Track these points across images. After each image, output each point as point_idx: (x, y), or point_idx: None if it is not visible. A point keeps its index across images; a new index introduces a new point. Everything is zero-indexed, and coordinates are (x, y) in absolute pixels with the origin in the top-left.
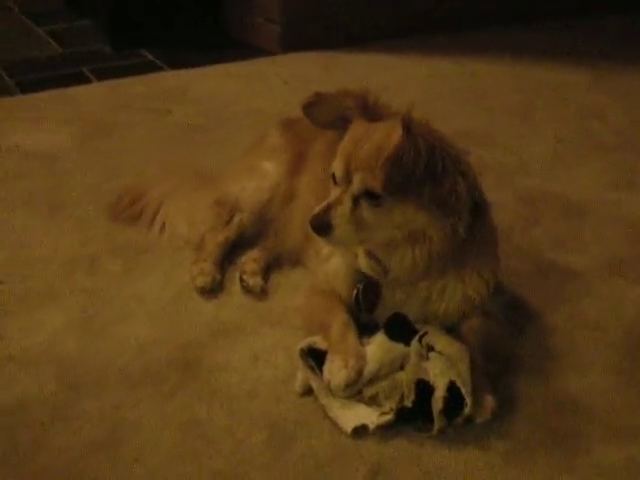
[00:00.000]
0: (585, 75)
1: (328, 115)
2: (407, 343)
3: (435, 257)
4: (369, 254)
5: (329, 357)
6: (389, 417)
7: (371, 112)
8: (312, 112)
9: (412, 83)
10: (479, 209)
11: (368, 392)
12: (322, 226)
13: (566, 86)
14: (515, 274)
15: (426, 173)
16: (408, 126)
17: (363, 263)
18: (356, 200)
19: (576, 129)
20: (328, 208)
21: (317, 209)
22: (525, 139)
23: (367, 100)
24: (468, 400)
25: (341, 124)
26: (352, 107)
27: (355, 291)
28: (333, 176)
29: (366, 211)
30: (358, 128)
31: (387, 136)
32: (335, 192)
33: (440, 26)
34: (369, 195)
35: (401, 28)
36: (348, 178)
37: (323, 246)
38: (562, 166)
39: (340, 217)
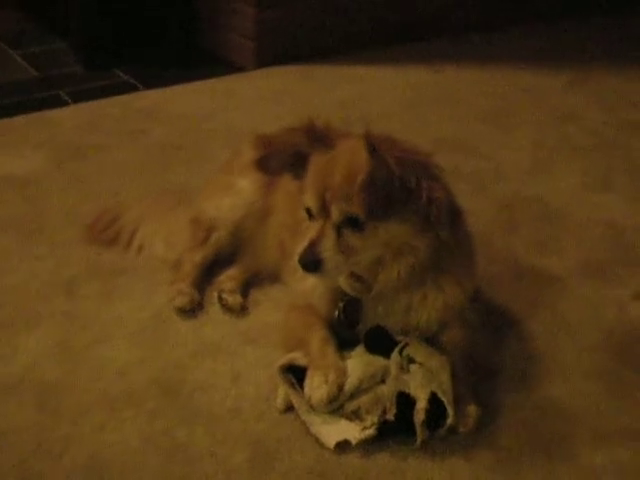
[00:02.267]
0: (561, 78)
1: (283, 160)
2: (387, 356)
3: (419, 267)
4: (351, 275)
5: (309, 373)
6: (371, 431)
7: (324, 140)
8: (267, 164)
9: (387, 93)
10: (454, 216)
11: (349, 407)
12: (312, 263)
13: (542, 90)
14: (494, 280)
15: (401, 188)
16: (372, 145)
17: (344, 283)
18: (338, 230)
19: (552, 133)
20: (313, 244)
21: (302, 248)
22: (501, 145)
23: (316, 130)
24: (450, 411)
25: (299, 163)
26: (304, 142)
27: (337, 310)
28: (307, 211)
29: (351, 238)
30: (319, 159)
31: (353, 160)
32: (314, 226)
33: (415, 36)
34: (351, 222)
35: (375, 39)
36: (325, 210)
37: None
38: (539, 170)
39: (328, 250)
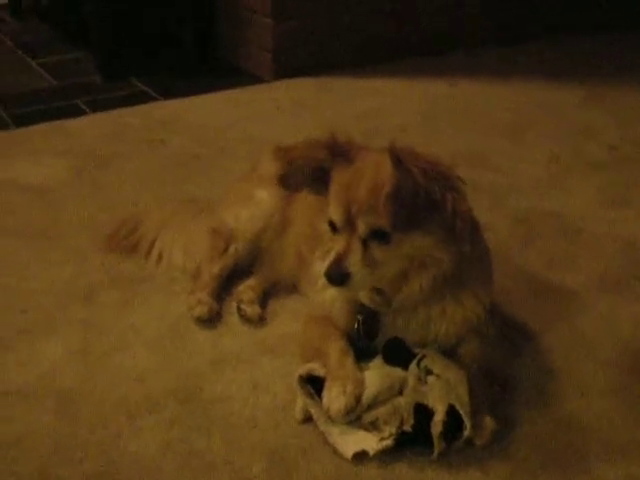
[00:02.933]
0: (577, 93)
1: (305, 176)
2: (405, 367)
3: (441, 279)
4: (372, 288)
5: (327, 384)
6: (389, 442)
7: (346, 154)
8: (289, 181)
9: (404, 105)
10: (471, 230)
11: (367, 418)
12: (340, 277)
13: (558, 105)
14: (511, 294)
15: (427, 199)
16: (397, 158)
17: (365, 296)
18: (364, 243)
19: (569, 147)
20: (340, 258)
21: (328, 262)
22: (518, 159)
23: (337, 144)
24: (467, 423)
25: (320, 178)
26: (326, 157)
27: (356, 323)
28: (331, 224)
29: (377, 251)
30: (343, 173)
31: (378, 173)
32: (340, 240)
33: (430, 49)
34: (377, 235)
35: (392, 52)
36: (350, 223)
37: (318, 275)
38: (556, 185)
39: (355, 264)
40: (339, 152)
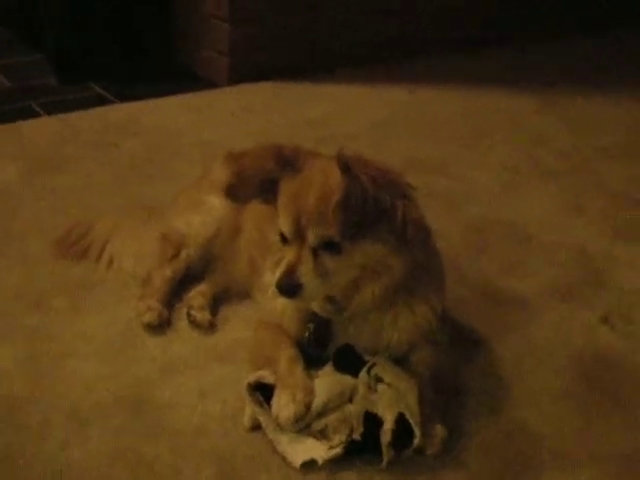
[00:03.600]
0: (532, 101)
1: (253, 188)
2: (355, 375)
3: (393, 286)
4: (325, 297)
5: (277, 391)
6: (338, 451)
7: (293, 163)
8: (237, 193)
9: (360, 112)
10: (423, 236)
11: (317, 426)
12: (291, 288)
13: (514, 112)
14: (463, 302)
15: (376, 208)
16: (345, 165)
17: (317, 305)
18: (315, 253)
19: (524, 155)
20: (291, 269)
21: (279, 273)
22: (473, 166)
23: (284, 154)
24: (417, 432)
25: (268, 189)
26: (273, 168)
27: (307, 332)
28: (281, 235)
29: (328, 261)
30: (291, 183)
31: (326, 181)
32: (290, 251)
33: (388, 56)
34: (328, 245)
35: (349, 59)
36: (300, 234)
37: (269, 284)
38: (510, 193)
39: (306, 274)
40: (286, 162)
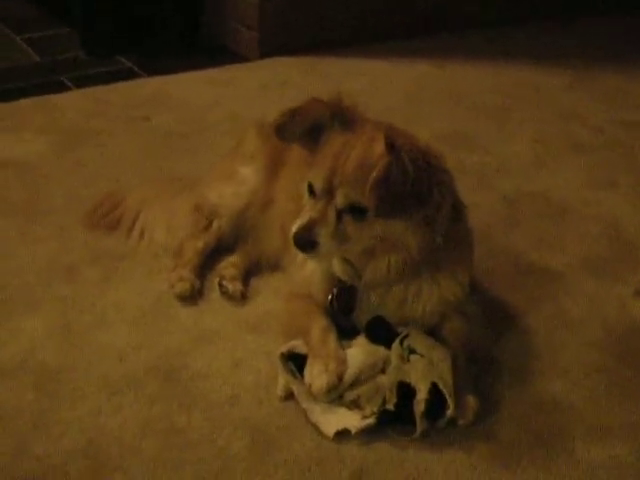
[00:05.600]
0: (564, 77)
1: (301, 128)
2: (388, 346)
3: (409, 263)
4: (344, 260)
5: (310, 361)
6: (371, 421)
7: (346, 119)
8: (285, 130)
9: (391, 86)
10: (455, 212)
11: (349, 396)
12: (307, 243)
13: (545, 87)
14: (495, 275)
15: (413, 192)
16: (392, 143)
17: (337, 268)
18: (339, 214)
19: (555, 130)
20: (311, 224)
21: (299, 225)
22: (504, 140)
23: (341, 107)
24: (450, 402)
25: (314, 135)
26: (327, 116)
27: (330, 295)
28: (309, 187)
29: (349, 226)
30: (336, 138)
31: (370, 150)
32: (315, 206)
33: (418, 31)
34: (353, 210)
35: (379, 33)
36: (330, 192)
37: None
38: (542, 167)
39: (325, 234)
40: (340, 115)
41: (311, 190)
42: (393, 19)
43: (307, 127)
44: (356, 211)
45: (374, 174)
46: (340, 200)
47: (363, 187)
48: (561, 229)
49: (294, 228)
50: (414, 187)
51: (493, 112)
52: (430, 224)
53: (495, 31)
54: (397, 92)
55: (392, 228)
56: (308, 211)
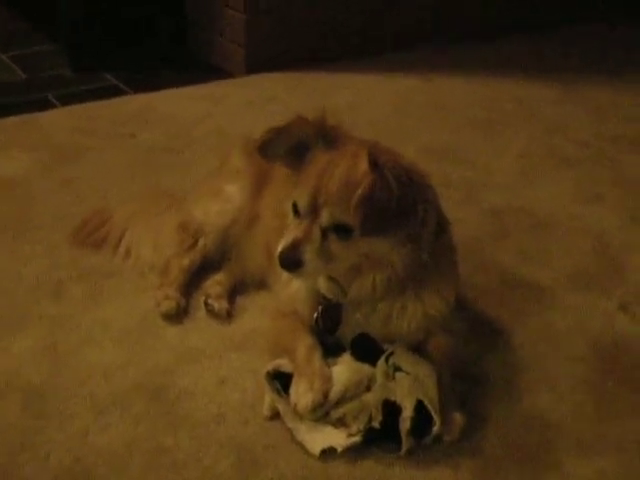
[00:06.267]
0: (551, 89)
1: (285, 147)
2: (373, 363)
3: (395, 281)
4: (329, 277)
5: (295, 380)
6: (357, 439)
7: (330, 137)
8: (268, 149)
9: (378, 100)
10: (440, 229)
11: (335, 414)
12: (292, 263)
13: (532, 101)
14: (481, 289)
15: (398, 209)
16: (375, 160)
17: (323, 286)
18: (324, 233)
19: (541, 143)
20: (296, 243)
21: (284, 245)
22: (490, 154)
23: (325, 125)
24: (436, 419)
25: (298, 153)
26: (311, 134)
27: (315, 313)
28: (294, 206)
29: (334, 244)
30: (320, 158)
31: (353, 168)
32: (300, 225)
33: (405, 44)
34: (338, 229)
35: (366, 47)
36: (314, 210)
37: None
38: (527, 180)
39: (310, 252)
40: (324, 133)
41: (296, 209)
42: (379, 33)
43: (291, 145)
44: (341, 230)
45: (358, 192)
46: (325, 219)
47: (348, 205)
48: (547, 243)
49: (279, 248)
50: (398, 204)
51: (480, 125)
52: (415, 241)
53: (483, 44)
54: (384, 106)
55: (377, 246)
56: (293, 230)
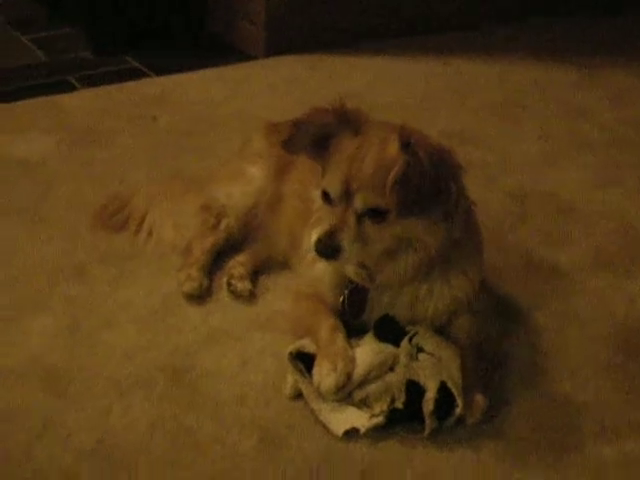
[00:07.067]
0: (571, 73)
1: (309, 139)
2: (396, 344)
3: (427, 261)
4: (358, 263)
5: (318, 361)
6: (380, 419)
7: (353, 123)
8: (293, 143)
9: (396, 84)
10: (466, 209)
11: (358, 395)
12: (331, 251)
13: (552, 85)
14: (504, 272)
15: (432, 188)
16: (406, 141)
17: (349, 270)
18: (359, 219)
19: (562, 127)
20: (333, 231)
21: (320, 233)
22: (511, 137)
23: (346, 112)
24: (459, 401)
25: (322, 144)
26: (332, 123)
27: (342, 297)
28: (325, 194)
29: (370, 228)
30: (347, 143)
31: (384, 151)
32: (334, 212)
33: (425, 28)
34: (373, 213)
35: (387, 30)
36: (347, 197)
37: (307, 251)
38: (549, 164)
39: (347, 239)
40: (346, 120)
41: (326, 197)
42: (400, 16)
43: (315, 137)
44: (375, 214)
45: (392, 175)
46: (359, 204)
47: (382, 189)
48: (569, 226)
49: (315, 236)
50: (433, 184)
51: (499, 109)
52: (448, 220)
53: (503, 27)
54: (403, 89)
55: (411, 227)
56: (327, 218)
